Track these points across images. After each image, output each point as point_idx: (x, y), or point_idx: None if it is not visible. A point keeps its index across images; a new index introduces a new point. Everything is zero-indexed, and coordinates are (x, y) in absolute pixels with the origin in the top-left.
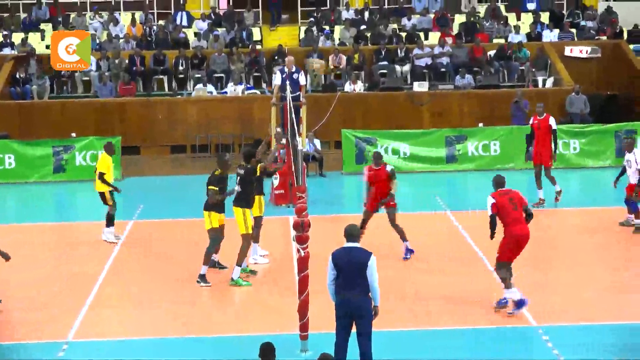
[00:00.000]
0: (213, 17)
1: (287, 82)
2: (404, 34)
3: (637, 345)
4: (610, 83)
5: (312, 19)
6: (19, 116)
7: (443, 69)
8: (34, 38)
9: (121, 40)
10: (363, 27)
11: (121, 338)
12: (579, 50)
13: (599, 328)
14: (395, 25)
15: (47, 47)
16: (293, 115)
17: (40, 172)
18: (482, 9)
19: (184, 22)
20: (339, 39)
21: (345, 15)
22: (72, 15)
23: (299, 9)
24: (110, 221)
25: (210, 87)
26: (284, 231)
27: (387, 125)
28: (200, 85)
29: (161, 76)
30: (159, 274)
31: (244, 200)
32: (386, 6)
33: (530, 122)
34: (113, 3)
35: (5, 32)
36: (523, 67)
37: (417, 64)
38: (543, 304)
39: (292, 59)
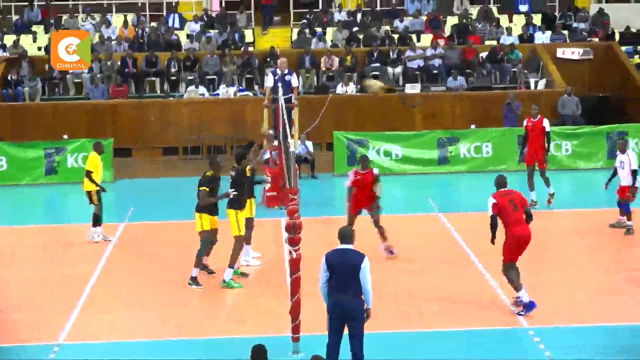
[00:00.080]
0: (205, 19)
1: (279, 84)
2: (396, 36)
3: (629, 347)
4: (602, 85)
5: (304, 20)
6: (10, 118)
7: (435, 71)
8: (25, 40)
9: (113, 42)
10: (355, 29)
11: (113, 340)
12: (571, 52)
13: (591, 330)
14: (387, 27)
15: (39, 49)
16: (285, 117)
17: (32, 174)
18: (474, 11)
19: (176, 24)
20: (331, 41)
21: (337, 17)
22: (64, 17)
23: (292, 10)
24: (96, 221)
25: (202, 89)
26: (275, 233)
27: (379, 127)
28: (192, 87)
29: (153, 78)
30: (150, 276)
31: (236, 202)
32: (378, 8)
33: (524, 124)
34: (105, 5)
35: None
36: (515, 69)
37: (409, 65)
38: None
39: (284, 61)
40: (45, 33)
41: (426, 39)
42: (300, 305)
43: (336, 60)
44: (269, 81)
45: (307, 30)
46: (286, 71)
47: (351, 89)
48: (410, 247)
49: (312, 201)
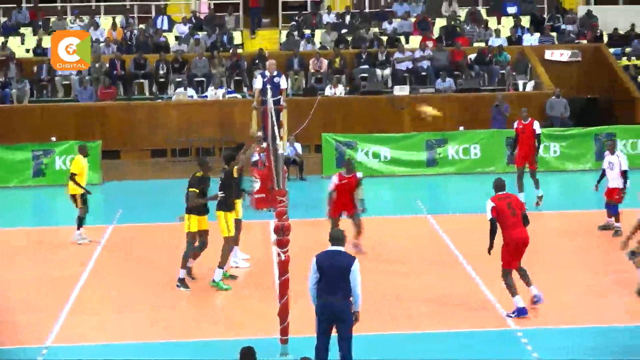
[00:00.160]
0: (194, 21)
1: (268, 86)
2: (384, 38)
3: (617, 348)
4: (590, 87)
5: (293, 22)
6: None
7: (424, 73)
8: (13, 42)
9: (102, 44)
10: (344, 30)
11: (101, 342)
12: (559, 54)
13: (579, 331)
14: (376, 29)
15: (27, 51)
16: (274, 119)
17: (19, 176)
18: (462, 13)
19: (165, 26)
20: (320, 43)
21: (326, 19)
22: (53, 19)
23: (280, 12)
24: (80, 224)
25: (190, 91)
26: (264, 235)
27: (368, 129)
28: (180, 89)
29: (142, 80)
30: (139, 278)
31: (224, 204)
32: (367, 10)
33: (515, 126)
34: (93, 7)
35: None
36: (503, 71)
37: (397, 67)
38: None
39: (273, 63)
40: (34, 35)
41: (415, 40)
42: (288, 307)
43: (325, 62)
44: (257, 83)
45: (295, 33)
46: (275, 73)
47: (340, 90)
48: (399, 248)
49: (301, 203)
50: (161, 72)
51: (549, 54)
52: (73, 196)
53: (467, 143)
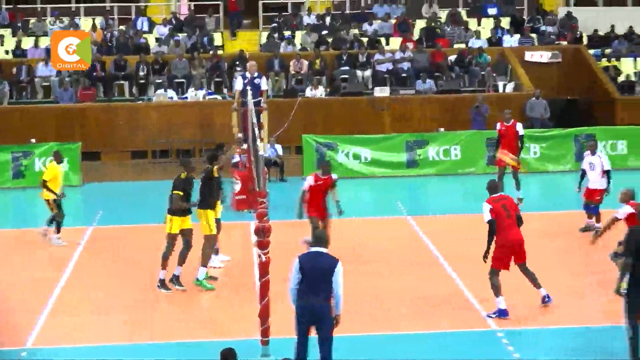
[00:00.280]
0: (174, 22)
1: (249, 87)
2: (365, 39)
3: (598, 349)
4: (570, 88)
5: (273, 24)
6: None
7: (404, 74)
8: None
9: None
10: (324, 32)
11: (81, 344)
12: (539, 55)
13: (560, 331)
14: (356, 31)
15: (7, 52)
16: (254, 120)
17: None
18: (443, 14)
19: (145, 28)
20: (301, 44)
21: (306, 20)
22: (32, 20)
23: (260, 14)
24: (57, 226)
25: (171, 92)
26: (244, 236)
27: (349, 130)
28: (161, 91)
29: (122, 81)
30: (119, 279)
31: (205, 202)
32: (348, 11)
33: (497, 127)
34: (73, 8)
35: None
36: (484, 72)
37: (378, 69)
38: None
39: (254, 64)
40: (13, 36)
41: (395, 42)
42: (269, 309)
43: (305, 63)
44: (238, 84)
45: (276, 34)
46: (255, 74)
47: (320, 92)
48: (379, 250)
49: (281, 204)
50: (141, 73)
51: (529, 55)
52: (47, 201)
53: (448, 144)
